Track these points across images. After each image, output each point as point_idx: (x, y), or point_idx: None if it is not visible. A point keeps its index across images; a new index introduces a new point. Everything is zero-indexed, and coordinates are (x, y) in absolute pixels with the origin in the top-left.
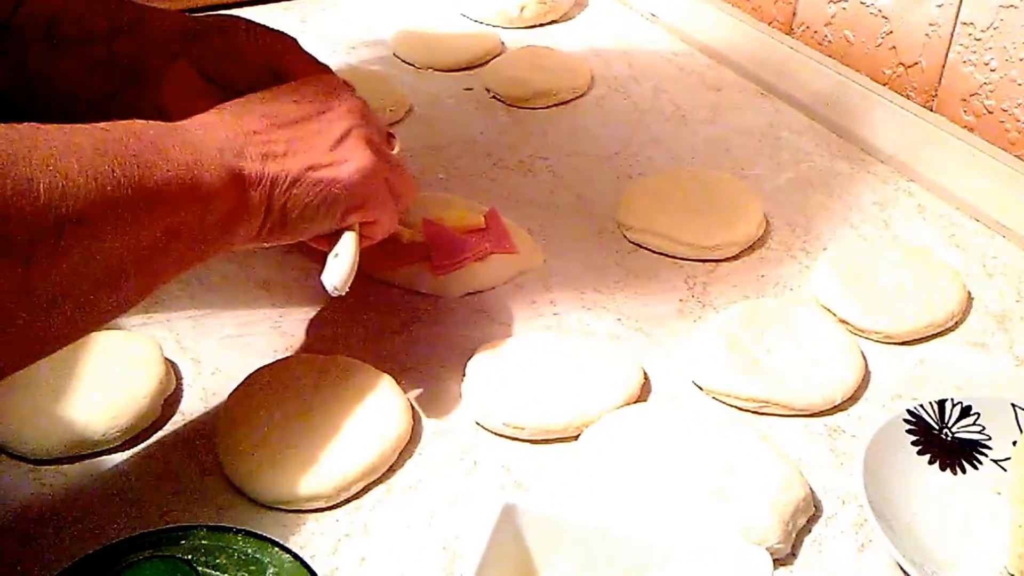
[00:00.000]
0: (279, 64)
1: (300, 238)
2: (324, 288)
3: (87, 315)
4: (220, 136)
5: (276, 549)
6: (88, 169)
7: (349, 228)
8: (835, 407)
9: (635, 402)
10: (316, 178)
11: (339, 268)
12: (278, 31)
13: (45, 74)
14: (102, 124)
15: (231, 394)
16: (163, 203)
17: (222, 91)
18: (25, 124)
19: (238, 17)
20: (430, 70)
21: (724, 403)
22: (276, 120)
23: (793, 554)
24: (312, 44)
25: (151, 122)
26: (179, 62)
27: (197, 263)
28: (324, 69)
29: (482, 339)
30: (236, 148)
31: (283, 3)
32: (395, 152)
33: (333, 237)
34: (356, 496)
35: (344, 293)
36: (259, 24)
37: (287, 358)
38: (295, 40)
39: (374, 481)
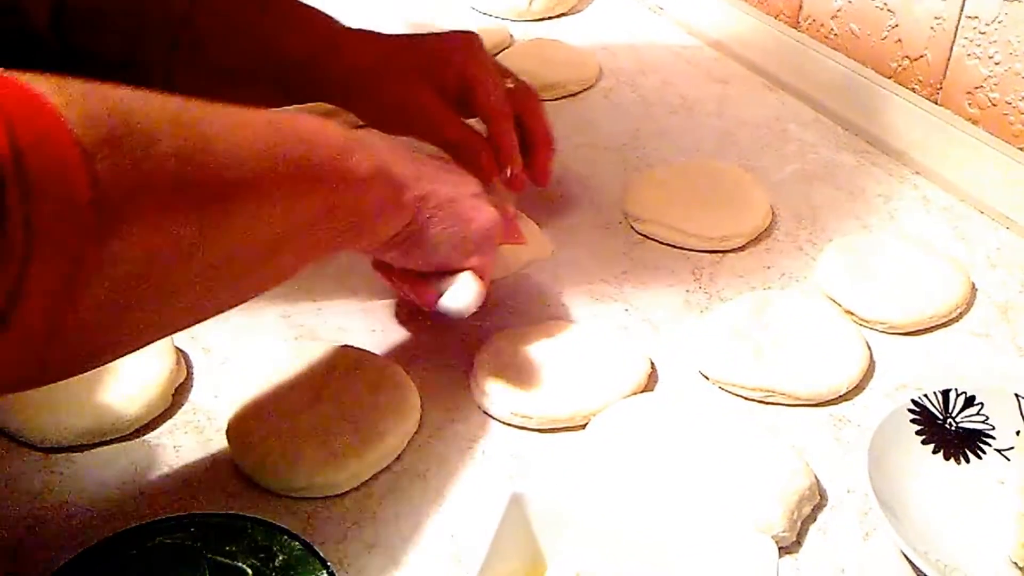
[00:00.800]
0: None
1: (423, 264)
2: (450, 311)
3: (242, 284)
4: (377, 144)
5: (285, 537)
6: (259, 140)
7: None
8: (840, 397)
9: (642, 392)
10: (459, 211)
11: (467, 293)
12: (486, 57)
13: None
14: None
15: (241, 383)
16: (322, 182)
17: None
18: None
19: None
20: None
21: (730, 393)
22: (422, 159)
23: (798, 542)
24: None
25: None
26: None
27: (347, 247)
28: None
29: (490, 329)
30: (389, 157)
31: None
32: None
33: (447, 274)
34: (365, 484)
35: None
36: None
37: (296, 347)
38: (492, 72)
39: (383, 469)
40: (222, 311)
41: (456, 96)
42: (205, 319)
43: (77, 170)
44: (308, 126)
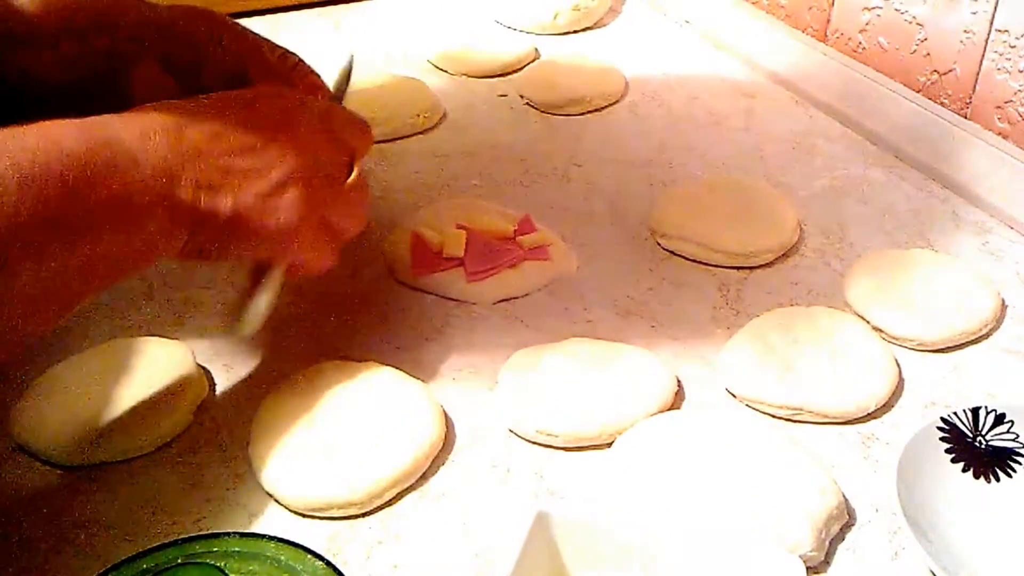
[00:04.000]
0: (242, 65)
1: (220, 262)
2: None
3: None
4: (158, 155)
5: (309, 556)
6: (9, 204)
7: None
8: (869, 415)
9: (668, 410)
10: (244, 223)
11: (250, 315)
12: (246, 31)
13: (16, 69)
14: (31, 139)
15: (264, 401)
16: (88, 235)
17: (188, 91)
18: None
19: (207, 12)
20: (464, 76)
21: (758, 411)
22: (220, 144)
23: (827, 562)
24: (345, 51)
25: (86, 131)
26: (146, 61)
27: (114, 283)
28: (286, 74)
29: (515, 346)
30: (172, 171)
31: (317, 8)
32: (351, 181)
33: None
34: (389, 503)
35: (247, 336)
36: (227, 21)
37: (320, 365)
38: (264, 41)
39: (407, 488)
40: None
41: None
42: None
43: None
44: (77, 163)
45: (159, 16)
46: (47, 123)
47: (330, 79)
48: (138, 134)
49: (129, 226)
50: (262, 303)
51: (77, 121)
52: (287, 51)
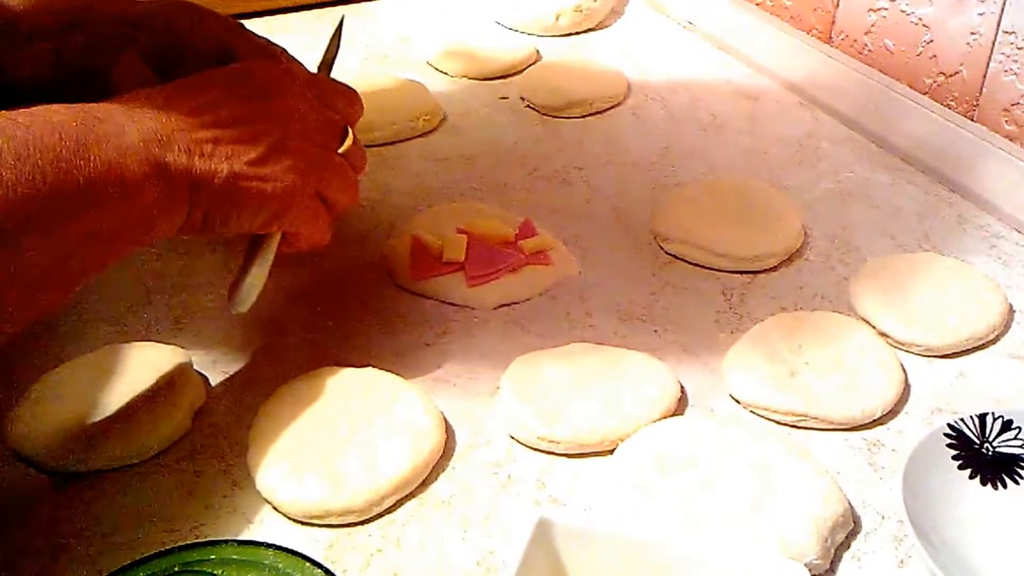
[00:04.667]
0: (224, 49)
1: (219, 236)
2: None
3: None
4: (147, 127)
5: (308, 564)
6: (7, 178)
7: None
8: (875, 421)
9: (672, 416)
10: (240, 187)
11: (245, 289)
12: (222, 16)
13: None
14: (22, 118)
15: (262, 407)
16: (86, 205)
17: (170, 80)
18: None
19: (185, 2)
20: (464, 79)
21: (762, 417)
22: (207, 116)
23: (832, 570)
24: (345, 52)
25: (74, 109)
26: (127, 54)
27: (118, 258)
28: (270, 53)
29: (516, 351)
30: (162, 139)
31: (316, 10)
32: (344, 148)
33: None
34: (388, 511)
35: (244, 311)
36: (203, 9)
37: (318, 371)
38: (239, 23)
39: (407, 495)
40: None
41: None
42: None
43: None
44: (69, 138)
45: (136, 9)
46: (37, 107)
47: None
48: (126, 109)
49: (126, 195)
50: (256, 278)
51: (65, 104)
52: (270, 42)
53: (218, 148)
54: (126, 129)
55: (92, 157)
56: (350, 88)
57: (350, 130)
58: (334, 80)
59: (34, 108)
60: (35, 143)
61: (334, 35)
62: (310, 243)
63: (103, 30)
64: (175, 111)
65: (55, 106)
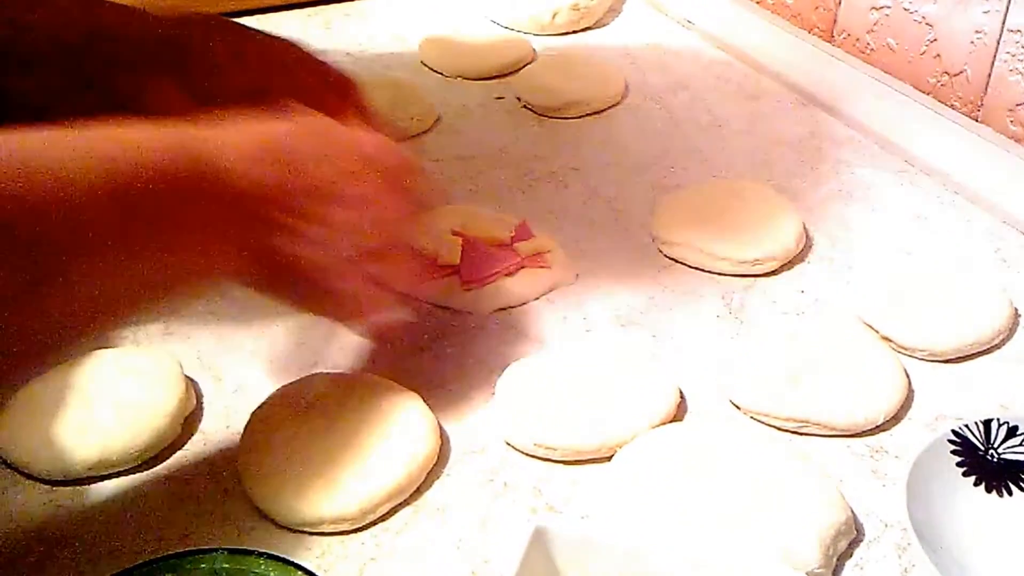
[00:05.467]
0: (265, 85)
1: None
2: None
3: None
4: (239, 184)
5: (300, 573)
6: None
7: None
8: (878, 427)
9: (671, 422)
10: (295, 266)
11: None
12: (267, 40)
13: (13, 89)
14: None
15: (253, 413)
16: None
17: (204, 104)
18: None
19: (221, 22)
20: (459, 78)
21: (763, 423)
22: (298, 180)
23: None
24: (337, 51)
25: (179, 139)
26: (160, 80)
27: (171, 293)
28: (321, 98)
29: (512, 356)
30: (246, 203)
31: (307, 9)
32: (411, 239)
33: None
34: (382, 518)
35: None
36: (245, 32)
37: (311, 376)
38: (288, 49)
39: (401, 503)
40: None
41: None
42: None
43: None
44: (151, 143)
45: (169, 31)
46: (142, 125)
47: None
48: (230, 156)
49: (196, 244)
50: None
51: (172, 129)
52: (316, 61)
53: (292, 219)
54: (221, 182)
55: (182, 202)
56: (436, 180)
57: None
58: (422, 169)
59: (140, 127)
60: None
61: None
62: (359, 320)
63: (130, 49)
64: (271, 171)
65: (159, 131)
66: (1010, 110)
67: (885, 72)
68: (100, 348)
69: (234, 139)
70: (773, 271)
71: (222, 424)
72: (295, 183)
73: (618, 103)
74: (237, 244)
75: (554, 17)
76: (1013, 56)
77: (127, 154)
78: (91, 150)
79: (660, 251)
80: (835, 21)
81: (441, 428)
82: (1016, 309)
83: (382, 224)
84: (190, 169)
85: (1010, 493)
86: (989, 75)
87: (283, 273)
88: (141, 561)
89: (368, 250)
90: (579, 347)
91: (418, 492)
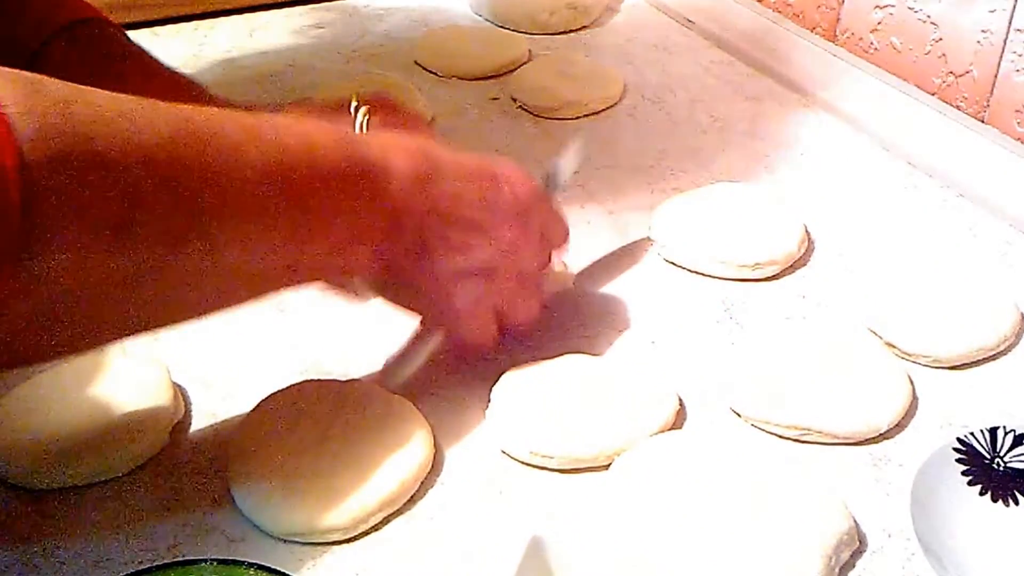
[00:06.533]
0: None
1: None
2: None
3: (184, 315)
4: (395, 199)
5: None
6: (264, 160)
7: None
8: (881, 435)
9: (670, 430)
10: (423, 291)
11: (400, 367)
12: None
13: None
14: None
15: (243, 420)
16: (333, 214)
17: None
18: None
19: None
20: (453, 78)
21: (763, 431)
22: (452, 208)
23: None
24: (330, 51)
25: (367, 151)
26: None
27: (288, 288)
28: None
29: (508, 363)
30: (396, 219)
31: (300, 7)
32: (549, 269)
33: None
34: (375, 528)
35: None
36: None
37: (302, 383)
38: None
39: (394, 512)
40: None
41: None
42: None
43: (11, 184)
44: (328, 145)
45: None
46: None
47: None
48: (391, 170)
49: (348, 245)
50: (408, 365)
51: (345, 135)
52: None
53: (436, 244)
54: (380, 191)
55: (343, 204)
56: (565, 222)
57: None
58: (557, 210)
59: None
60: (283, 134)
61: (573, 151)
62: (470, 350)
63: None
64: (431, 193)
65: (333, 133)
66: (1017, 111)
67: (889, 72)
68: (88, 354)
69: (394, 146)
70: (774, 275)
71: (211, 432)
72: (451, 209)
73: (616, 104)
74: (376, 247)
75: (551, 16)
76: (1020, 56)
77: (298, 140)
78: (266, 135)
79: (659, 255)
80: (838, 20)
81: (435, 436)
82: (1023, 315)
83: (521, 273)
84: (359, 167)
85: (1016, 502)
86: (995, 75)
87: (408, 287)
88: (129, 572)
89: (496, 291)
90: (576, 354)
91: (411, 502)
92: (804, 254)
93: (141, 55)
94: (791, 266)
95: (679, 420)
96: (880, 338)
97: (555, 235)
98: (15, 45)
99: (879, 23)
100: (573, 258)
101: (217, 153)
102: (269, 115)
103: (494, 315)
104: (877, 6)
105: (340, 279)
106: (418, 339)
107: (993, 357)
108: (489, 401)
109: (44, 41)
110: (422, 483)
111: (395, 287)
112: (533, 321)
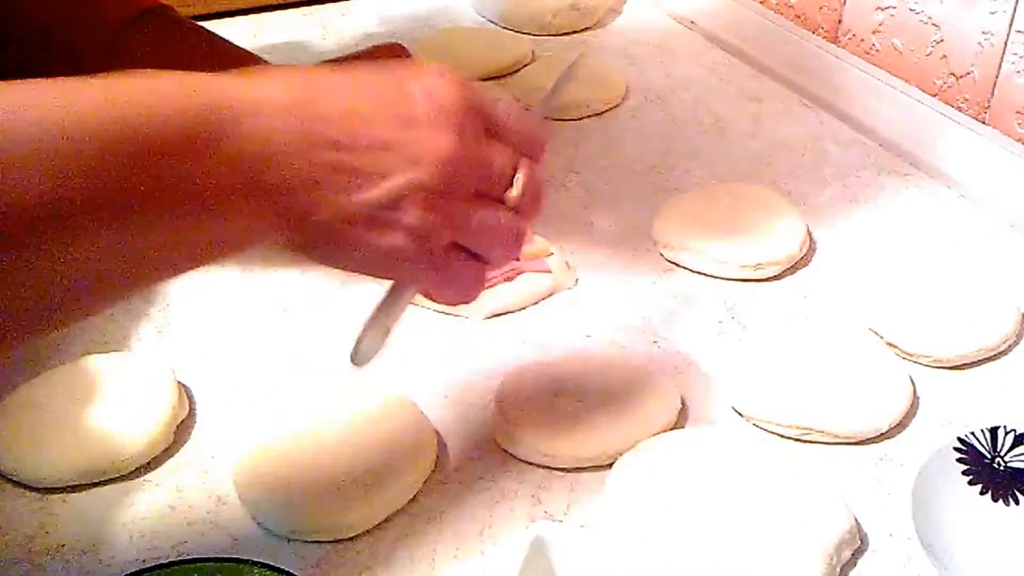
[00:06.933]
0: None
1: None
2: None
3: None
4: (261, 135)
5: None
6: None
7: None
8: (882, 435)
9: (672, 429)
10: (342, 230)
11: (361, 346)
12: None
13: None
14: (148, 92)
15: (247, 420)
16: (166, 213)
17: None
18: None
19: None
20: None
21: (765, 430)
22: (342, 134)
23: None
24: (332, 51)
25: (219, 92)
26: None
27: (203, 265)
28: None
29: (511, 363)
30: (268, 158)
31: (303, 8)
32: (514, 197)
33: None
34: (378, 527)
35: (362, 367)
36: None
37: (305, 382)
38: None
39: (397, 511)
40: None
41: None
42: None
43: None
44: (202, 137)
45: None
46: (146, 77)
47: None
48: (251, 102)
49: (212, 215)
50: (374, 334)
51: (190, 79)
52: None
53: (334, 176)
54: (234, 134)
55: (185, 169)
56: (542, 121)
57: (522, 175)
58: (522, 114)
59: (144, 79)
60: (128, 137)
61: (565, 73)
62: (449, 300)
63: None
64: (310, 115)
65: (171, 82)
66: (1018, 112)
67: (890, 73)
68: (91, 353)
69: (265, 80)
70: (776, 276)
71: (215, 431)
72: (345, 133)
73: (618, 105)
74: (250, 204)
75: (554, 17)
76: (1021, 58)
77: (131, 110)
78: (87, 105)
79: (661, 255)
80: (840, 21)
81: (438, 435)
82: (1023, 315)
83: (478, 194)
84: (208, 130)
85: (1016, 502)
86: (996, 77)
87: (334, 240)
88: (133, 571)
89: (439, 221)
90: (579, 353)
91: (414, 500)
92: (806, 254)
93: (212, 39)
94: (793, 266)
95: (681, 420)
96: (881, 338)
97: (525, 145)
98: (94, 29)
99: (880, 24)
100: (576, 258)
101: (28, 145)
102: (107, 77)
103: (458, 250)
104: (879, 8)
105: (244, 252)
106: (381, 307)
107: (994, 357)
108: (492, 400)
109: (125, 25)
110: (425, 482)
111: (323, 246)
112: (513, 245)
